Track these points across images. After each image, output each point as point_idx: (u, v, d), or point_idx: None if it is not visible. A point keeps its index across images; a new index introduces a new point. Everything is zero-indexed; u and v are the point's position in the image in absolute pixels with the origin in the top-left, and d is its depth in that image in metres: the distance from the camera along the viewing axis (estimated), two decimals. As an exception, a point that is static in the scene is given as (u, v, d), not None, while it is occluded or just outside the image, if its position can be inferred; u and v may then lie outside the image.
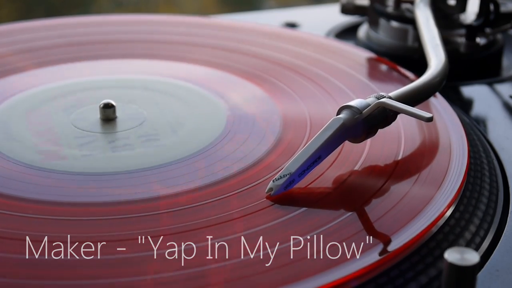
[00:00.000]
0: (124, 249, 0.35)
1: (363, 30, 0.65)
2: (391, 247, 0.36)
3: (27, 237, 0.36)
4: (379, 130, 0.42)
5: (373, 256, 0.35)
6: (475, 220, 0.40)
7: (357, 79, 0.54)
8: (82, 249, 0.35)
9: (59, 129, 0.47)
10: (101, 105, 0.48)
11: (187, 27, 0.63)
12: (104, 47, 0.59)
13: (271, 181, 0.39)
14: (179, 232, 0.37)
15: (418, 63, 0.56)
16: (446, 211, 0.39)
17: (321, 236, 0.36)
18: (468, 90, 0.57)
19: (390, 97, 0.43)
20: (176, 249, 0.35)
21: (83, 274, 0.34)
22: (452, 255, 0.31)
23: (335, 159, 0.42)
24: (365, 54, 0.58)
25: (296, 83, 0.53)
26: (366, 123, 0.41)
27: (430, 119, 0.39)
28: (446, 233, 0.38)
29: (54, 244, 0.36)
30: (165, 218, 0.38)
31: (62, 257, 0.35)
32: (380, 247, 0.36)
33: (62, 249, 0.35)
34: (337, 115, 0.41)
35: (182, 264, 0.34)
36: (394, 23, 0.62)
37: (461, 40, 0.60)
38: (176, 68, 0.56)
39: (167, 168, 0.42)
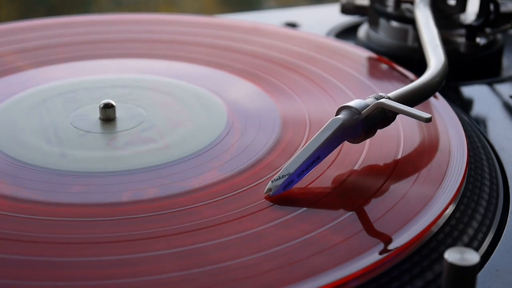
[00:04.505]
0: (124, 249, 0.35)
1: (363, 30, 0.65)
2: (391, 247, 0.36)
3: (25, 237, 0.36)
4: (379, 130, 0.42)
5: (373, 256, 0.35)
6: (475, 219, 0.40)
7: (357, 79, 0.54)
8: (82, 250, 0.35)
9: (59, 129, 0.47)
10: (101, 105, 0.48)
11: (187, 27, 0.63)
12: (104, 46, 0.59)
13: (270, 182, 0.39)
14: (179, 233, 0.36)
15: (418, 63, 0.56)
16: (446, 210, 0.39)
17: (321, 236, 0.36)
18: (468, 90, 0.57)
19: (389, 98, 0.42)
20: (176, 249, 0.35)
21: (83, 274, 0.34)
22: (452, 255, 0.31)
23: (334, 159, 0.42)
24: (365, 54, 0.58)
25: (295, 83, 0.53)
26: (365, 123, 0.41)
27: (429, 120, 0.39)
28: (446, 233, 0.38)
29: (53, 244, 0.36)
30: (165, 218, 0.38)
31: (62, 258, 0.35)
32: (380, 246, 0.36)
33: (62, 249, 0.35)
34: (336, 115, 0.41)
35: (183, 265, 0.34)
36: (394, 23, 0.62)
37: (461, 40, 0.59)
38: (176, 67, 0.56)
39: (166, 168, 0.42)
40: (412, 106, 0.41)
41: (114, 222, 0.37)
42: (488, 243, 0.39)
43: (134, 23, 0.64)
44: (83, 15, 0.66)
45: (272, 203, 0.39)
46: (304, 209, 0.38)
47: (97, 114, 0.48)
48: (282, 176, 0.39)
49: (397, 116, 0.43)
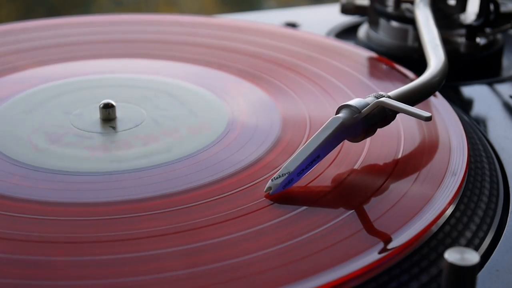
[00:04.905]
0: (124, 249, 0.35)
1: (363, 30, 0.65)
2: (391, 246, 0.36)
3: (26, 237, 0.36)
4: (379, 129, 0.42)
5: (373, 256, 0.35)
6: (475, 219, 0.40)
7: (357, 79, 0.54)
8: (81, 249, 0.35)
9: (59, 129, 0.47)
10: (101, 105, 0.48)
11: (187, 27, 0.63)
12: (104, 47, 0.59)
13: (270, 180, 0.39)
14: (178, 232, 0.36)
15: (418, 63, 0.56)
16: (446, 210, 0.39)
17: (321, 235, 0.36)
18: (468, 90, 0.57)
19: (389, 97, 0.42)
20: (175, 248, 0.35)
21: (82, 274, 0.34)
22: (452, 255, 0.31)
23: (334, 158, 0.42)
24: (365, 53, 0.58)
25: (295, 83, 0.53)
26: (365, 122, 0.41)
27: (429, 119, 0.39)
28: (446, 232, 0.38)
29: (53, 244, 0.36)
30: (164, 218, 0.38)
31: (62, 258, 0.35)
32: (380, 246, 0.36)
33: (62, 249, 0.35)
34: (336, 114, 0.41)
35: (182, 264, 0.34)
36: (394, 23, 0.62)
37: (461, 40, 0.60)
38: (176, 68, 0.56)
39: (167, 168, 0.42)
40: (412, 106, 0.41)
41: (113, 221, 0.37)
42: (488, 243, 0.39)
43: (134, 23, 0.64)
44: (83, 15, 0.66)
45: (272, 202, 0.39)
46: (304, 208, 0.38)
47: (97, 114, 0.48)
48: (282, 174, 0.39)
49: (397, 115, 0.43)
